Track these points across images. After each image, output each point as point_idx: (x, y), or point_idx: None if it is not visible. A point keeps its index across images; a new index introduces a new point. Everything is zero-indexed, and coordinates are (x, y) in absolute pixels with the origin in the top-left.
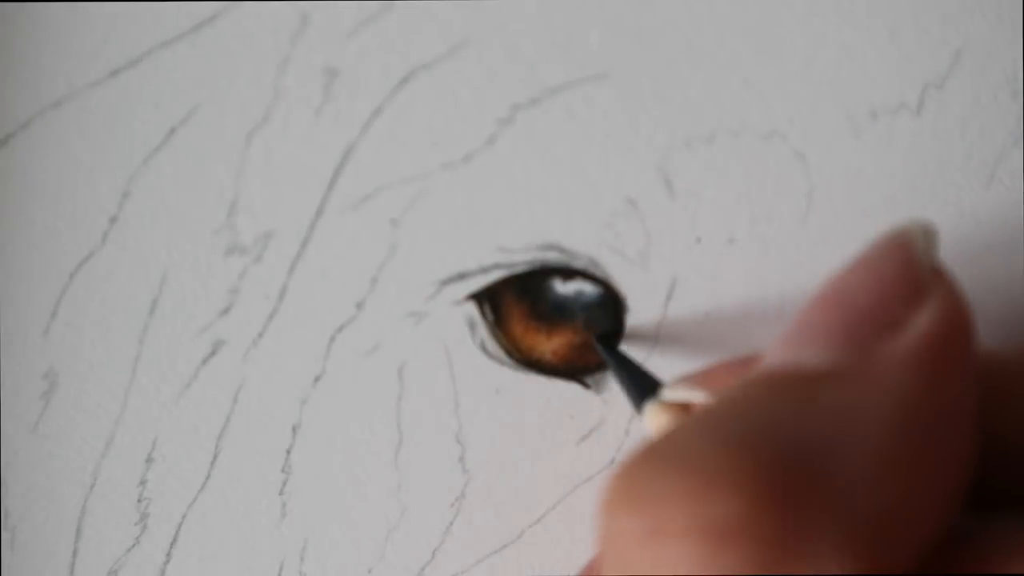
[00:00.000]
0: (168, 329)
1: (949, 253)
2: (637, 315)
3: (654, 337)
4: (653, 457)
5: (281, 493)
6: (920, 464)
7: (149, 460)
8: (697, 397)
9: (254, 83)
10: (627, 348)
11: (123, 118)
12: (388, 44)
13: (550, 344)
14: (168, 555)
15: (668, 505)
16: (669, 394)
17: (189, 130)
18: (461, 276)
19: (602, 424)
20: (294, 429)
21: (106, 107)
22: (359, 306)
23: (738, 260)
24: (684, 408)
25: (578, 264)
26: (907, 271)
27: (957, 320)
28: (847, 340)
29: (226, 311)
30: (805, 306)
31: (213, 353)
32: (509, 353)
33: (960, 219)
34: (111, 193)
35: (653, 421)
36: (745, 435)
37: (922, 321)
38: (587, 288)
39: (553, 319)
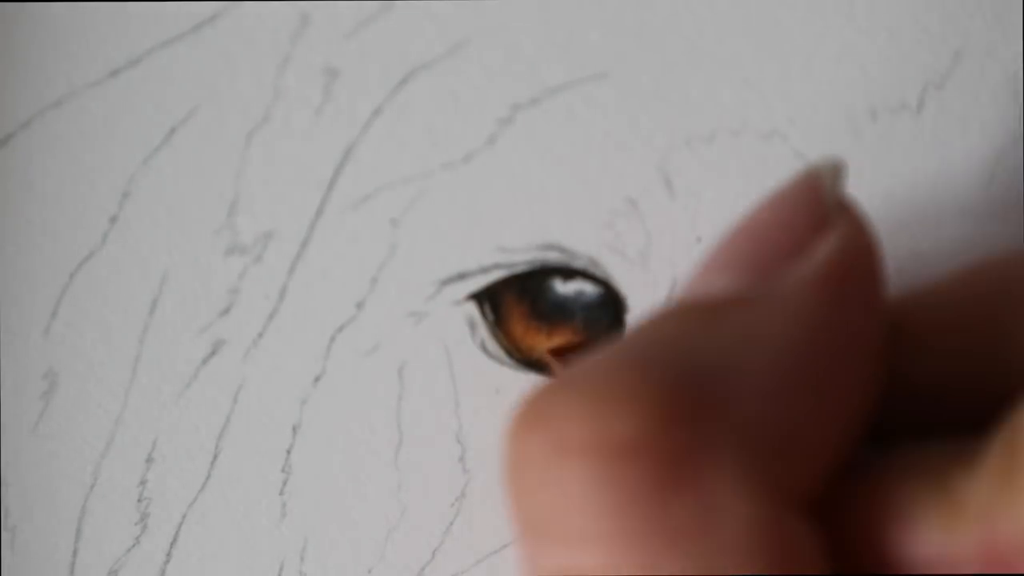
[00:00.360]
0: (168, 329)
1: (949, 253)
2: (637, 315)
3: None
4: (559, 380)
5: (281, 493)
6: (820, 388)
7: (149, 460)
8: None
9: (254, 83)
10: None
11: (123, 118)
12: (388, 44)
13: (550, 344)
14: (168, 555)
15: (568, 423)
16: None
17: (189, 130)
18: (461, 276)
19: None
20: (294, 429)
21: (106, 107)
22: (359, 306)
23: None
24: None
25: (578, 264)
26: (813, 203)
27: (860, 248)
28: (751, 267)
29: (226, 311)
30: (718, 240)
31: (213, 353)
32: (509, 353)
33: (960, 219)
34: (111, 193)
35: None
36: (647, 357)
37: (825, 248)
38: (587, 288)
39: (553, 319)
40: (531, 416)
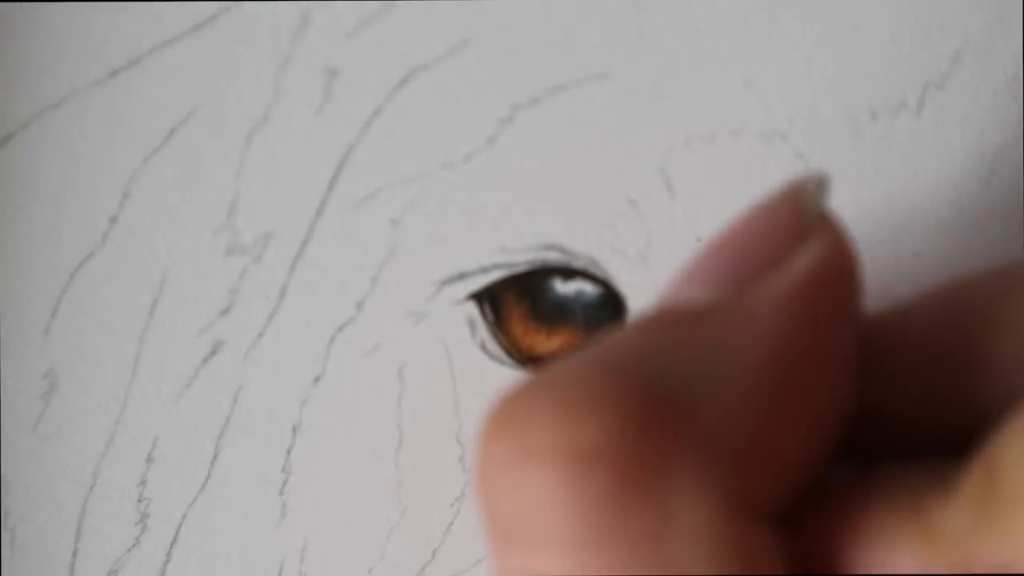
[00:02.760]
0: (168, 329)
1: (949, 253)
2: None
3: None
4: (529, 385)
5: (281, 493)
6: (789, 404)
7: (149, 460)
8: None
9: (254, 83)
10: None
11: (123, 118)
12: (388, 44)
13: (550, 344)
14: (168, 555)
15: (536, 428)
16: None
17: (189, 130)
18: (461, 276)
19: None
20: (294, 429)
21: (106, 107)
22: (359, 306)
23: None
24: None
25: (578, 264)
26: (794, 216)
27: (837, 263)
28: (726, 279)
29: (226, 311)
30: (697, 252)
31: (213, 353)
32: (509, 353)
33: (960, 219)
34: (111, 193)
35: None
36: (615, 364)
37: (800, 260)
38: (588, 288)
39: (553, 319)
40: (499, 419)
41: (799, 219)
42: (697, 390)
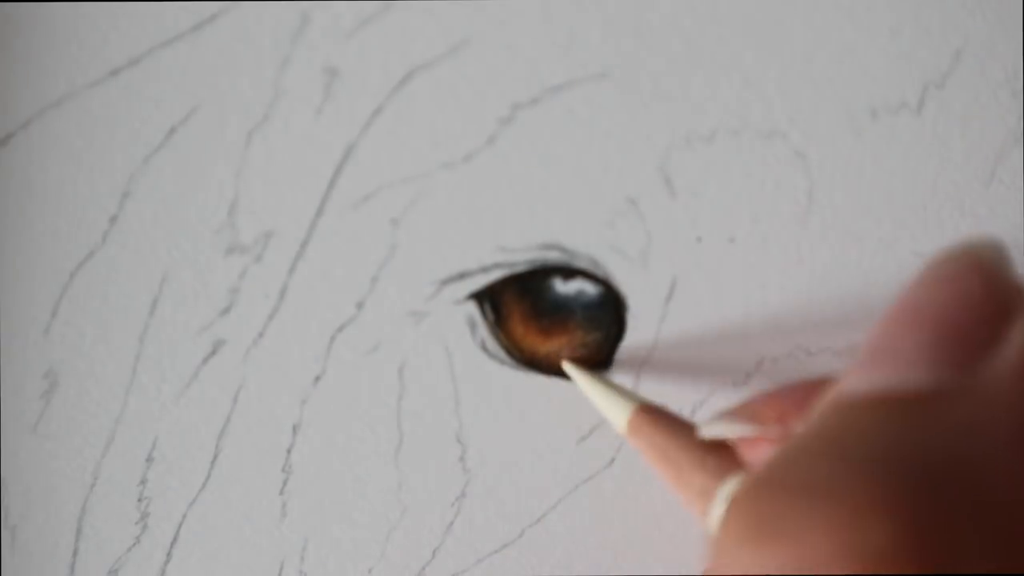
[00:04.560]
0: (168, 329)
1: None
2: (637, 314)
3: (650, 348)
4: (783, 486)
5: (281, 493)
6: None
7: (149, 460)
8: (740, 431)
9: (254, 83)
10: (625, 355)
11: (123, 118)
12: (388, 44)
13: (550, 343)
14: (168, 554)
15: (813, 535)
16: (707, 431)
17: (189, 130)
18: (461, 276)
19: (602, 424)
20: (294, 429)
21: (106, 107)
22: (359, 306)
23: (738, 259)
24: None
25: (579, 264)
26: (992, 287)
27: None
28: (947, 359)
29: (226, 311)
30: (880, 327)
31: (213, 353)
32: (509, 353)
33: (960, 219)
34: (111, 193)
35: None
36: (875, 459)
37: (1019, 337)
38: (588, 288)
39: (554, 319)
40: (762, 526)
41: (997, 289)
42: (964, 475)
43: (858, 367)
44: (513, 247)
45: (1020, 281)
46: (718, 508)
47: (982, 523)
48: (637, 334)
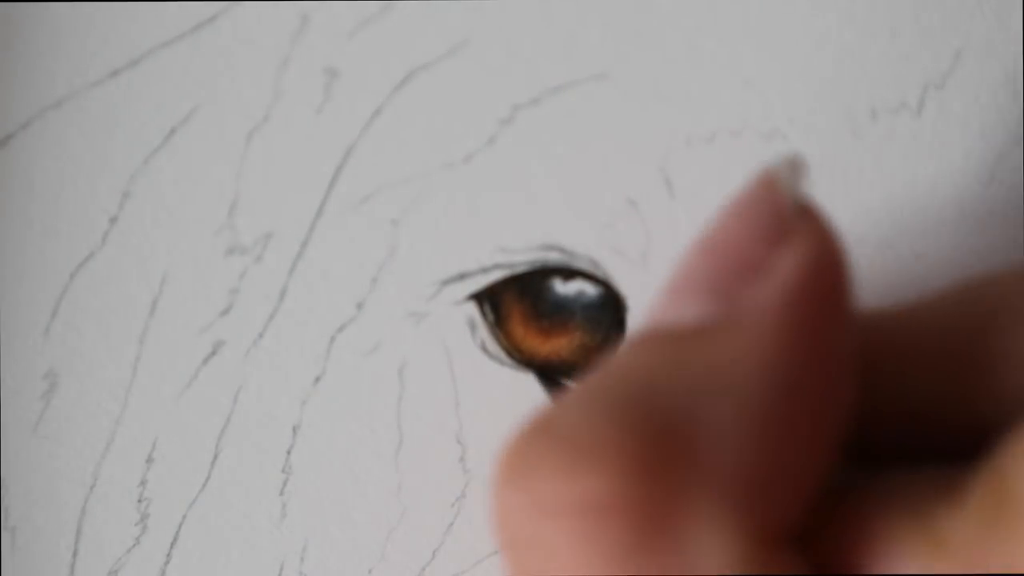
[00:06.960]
0: (168, 329)
1: (950, 254)
2: (638, 315)
3: None
4: (535, 431)
5: (281, 493)
6: (794, 416)
7: (149, 460)
8: None
9: (254, 83)
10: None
11: (123, 118)
12: (388, 44)
13: (550, 344)
14: (168, 555)
15: (546, 482)
16: None
17: (189, 130)
18: (461, 276)
19: None
20: (294, 429)
21: (106, 107)
22: (359, 306)
23: None
24: None
25: (579, 264)
26: (772, 211)
27: (824, 260)
28: (713, 290)
29: (226, 311)
30: (680, 258)
31: (213, 353)
32: (509, 353)
33: (960, 219)
34: (111, 193)
35: None
36: (618, 404)
37: (785, 263)
38: (588, 288)
39: (553, 319)
40: (509, 470)
41: (777, 213)
42: (698, 419)
43: (655, 301)
44: (513, 247)
45: (804, 203)
46: None
47: (706, 474)
48: None
